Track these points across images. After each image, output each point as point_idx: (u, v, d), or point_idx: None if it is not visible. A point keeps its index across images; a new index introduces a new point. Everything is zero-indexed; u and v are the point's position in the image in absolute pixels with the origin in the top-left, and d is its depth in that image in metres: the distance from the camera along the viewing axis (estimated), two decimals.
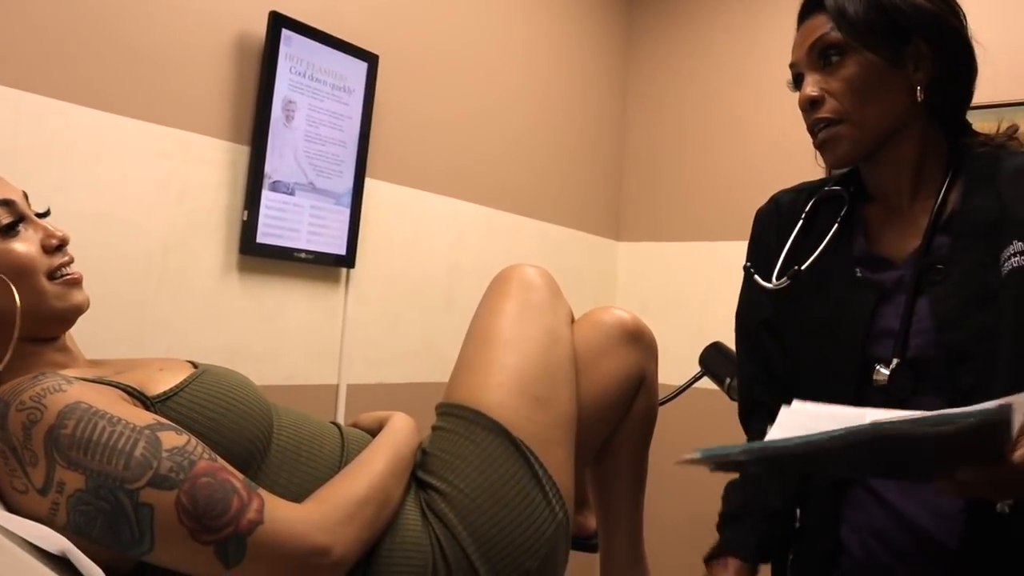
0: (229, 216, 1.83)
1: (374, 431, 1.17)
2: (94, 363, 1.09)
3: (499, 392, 1.16)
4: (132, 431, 0.86)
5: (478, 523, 1.07)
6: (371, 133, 2.10)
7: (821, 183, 1.27)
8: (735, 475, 1.26)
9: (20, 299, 0.97)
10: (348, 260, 2.06)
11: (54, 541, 0.78)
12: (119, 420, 0.87)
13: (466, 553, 1.05)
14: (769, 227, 1.28)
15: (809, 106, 1.10)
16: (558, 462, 1.15)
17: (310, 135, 1.95)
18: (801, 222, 1.22)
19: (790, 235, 1.22)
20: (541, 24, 2.78)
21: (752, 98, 2.90)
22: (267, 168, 1.85)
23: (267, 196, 1.86)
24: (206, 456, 0.89)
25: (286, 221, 1.91)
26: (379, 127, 2.15)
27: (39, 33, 1.51)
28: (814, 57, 1.10)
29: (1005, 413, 0.70)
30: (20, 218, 1.01)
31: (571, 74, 2.92)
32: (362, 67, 2.06)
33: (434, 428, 1.20)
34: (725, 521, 1.25)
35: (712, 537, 1.25)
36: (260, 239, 1.85)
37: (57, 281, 1.02)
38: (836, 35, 1.07)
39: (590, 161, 3.03)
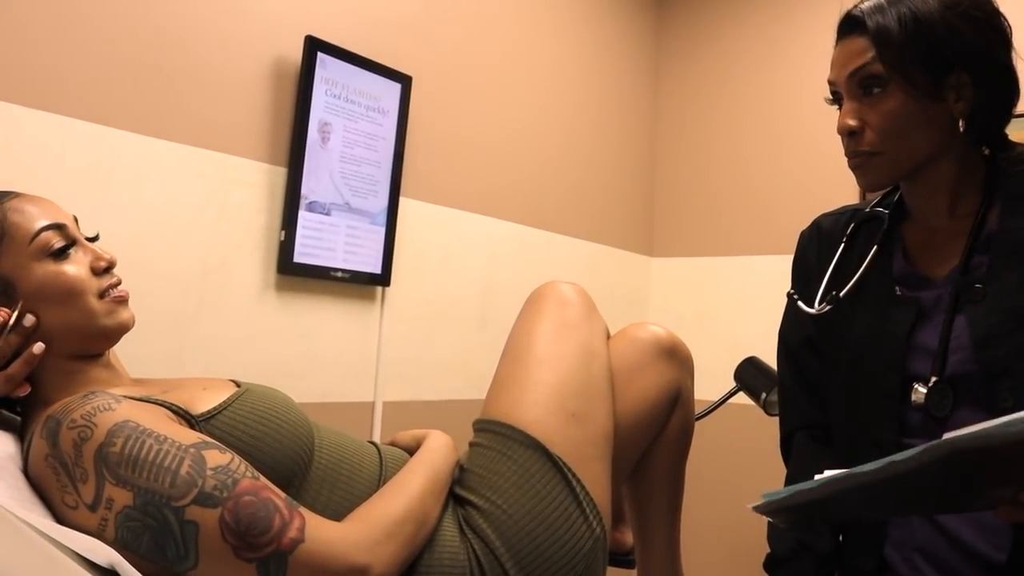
0: (267, 236, 1.86)
1: (412, 449, 1.18)
2: (138, 382, 1.12)
3: (535, 408, 1.17)
4: (178, 449, 0.88)
5: (516, 539, 1.07)
6: (405, 153, 2.12)
7: (862, 205, 1.28)
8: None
9: (63, 318, 1.00)
10: (383, 279, 2.08)
11: (103, 554, 0.80)
12: (166, 439, 0.89)
13: (504, 569, 1.05)
14: (810, 250, 1.30)
15: (848, 136, 1.10)
16: (595, 478, 1.16)
17: (345, 156, 1.98)
18: (843, 245, 1.22)
19: (832, 258, 1.23)
20: (571, 42, 2.80)
21: (783, 110, 2.89)
22: (303, 189, 1.88)
23: (304, 216, 1.89)
24: (249, 474, 0.90)
25: (322, 241, 1.93)
26: (413, 147, 2.18)
27: (82, 61, 1.55)
28: (854, 85, 1.08)
29: None
30: (72, 242, 1.04)
31: (601, 91, 2.94)
32: (396, 88, 2.09)
33: (471, 444, 1.21)
34: (773, 565, 1.23)
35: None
36: (297, 258, 1.88)
37: (106, 300, 1.05)
38: (877, 67, 1.05)
39: (622, 177, 3.03)
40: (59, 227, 1.03)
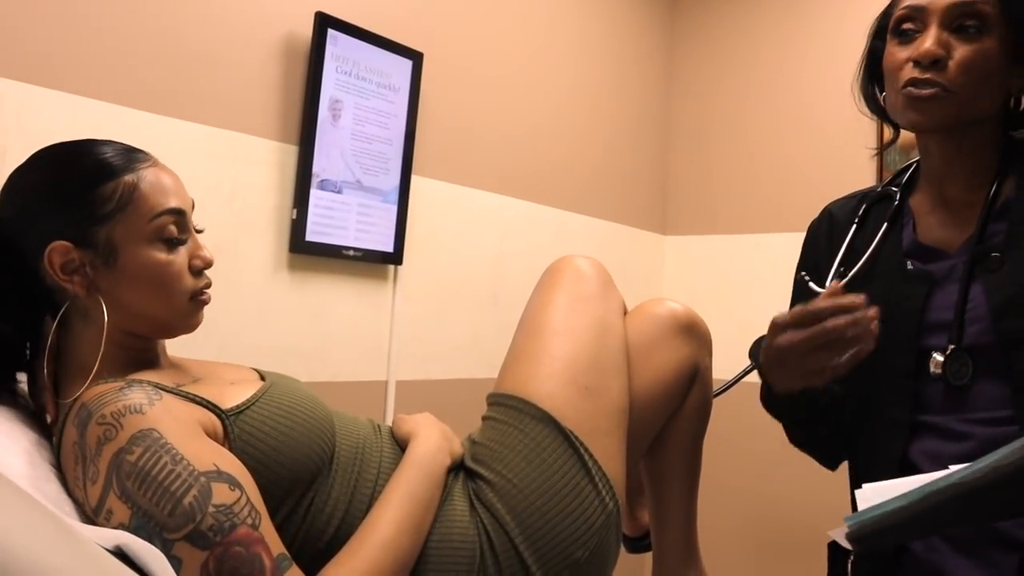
0: (278, 215, 1.85)
1: (403, 444, 1.14)
2: (174, 364, 1.11)
3: (548, 382, 1.16)
4: (189, 475, 0.86)
5: (526, 513, 1.07)
6: (416, 131, 2.11)
7: (872, 188, 1.27)
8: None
9: (147, 303, 1.01)
10: (395, 257, 2.07)
11: (108, 536, 0.80)
12: (181, 459, 0.87)
13: (514, 543, 1.05)
14: (820, 235, 1.28)
15: (929, 63, 1.04)
16: (608, 452, 1.15)
17: (357, 133, 1.97)
18: (854, 226, 1.21)
19: (843, 240, 1.21)
20: (584, 17, 2.77)
21: (795, 89, 2.85)
22: (315, 167, 1.87)
23: (315, 195, 1.88)
24: (249, 520, 0.87)
25: (334, 219, 1.93)
26: (424, 124, 2.16)
27: (93, 39, 1.55)
28: (950, 16, 1.04)
29: None
30: (184, 230, 1.04)
31: (615, 68, 2.91)
32: (407, 65, 2.07)
33: (484, 418, 1.20)
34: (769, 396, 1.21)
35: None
36: (309, 237, 1.87)
37: (194, 301, 1.05)
38: (987, 7, 1.02)
39: (635, 155, 3.01)
40: (180, 213, 1.02)
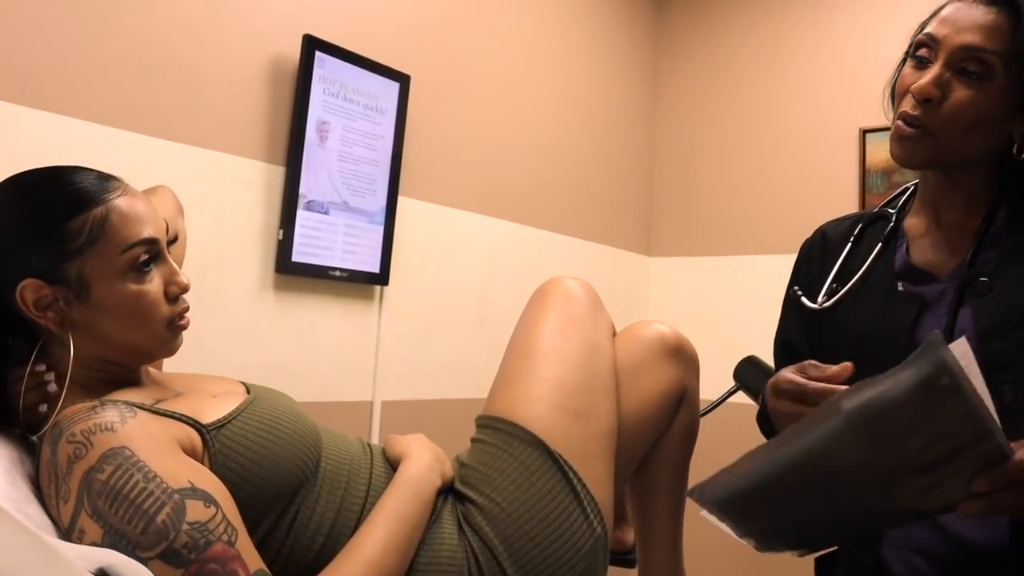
0: (265, 235, 1.85)
1: (395, 464, 1.14)
2: (155, 379, 1.10)
3: (538, 405, 1.16)
4: (162, 492, 0.85)
5: (514, 537, 1.06)
6: (403, 152, 2.12)
7: (868, 211, 1.28)
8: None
9: (123, 334, 0.99)
10: (382, 278, 2.07)
11: (92, 556, 0.79)
12: (154, 476, 0.86)
13: (502, 567, 1.05)
14: (813, 255, 1.29)
15: (921, 102, 1.05)
16: (597, 476, 1.15)
17: (343, 155, 1.97)
18: (849, 245, 1.22)
19: (836, 259, 1.22)
20: (569, 41, 2.80)
21: (780, 111, 2.89)
22: (302, 188, 1.88)
23: (302, 215, 1.88)
24: (224, 537, 0.86)
25: (321, 240, 1.93)
26: (411, 146, 2.17)
27: (78, 59, 1.55)
28: (956, 57, 1.03)
29: (938, 360, 0.70)
30: (156, 255, 1.01)
31: (600, 90, 2.93)
32: (394, 87, 2.09)
33: (473, 440, 1.20)
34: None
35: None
36: (295, 258, 1.87)
37: (171, 327, 1.03)
38: (993, 58, 1.01)
39: (620, 177, 3.03)
40: (152, 242, 1.00)
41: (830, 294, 1.18)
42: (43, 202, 0.97)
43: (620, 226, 3.01)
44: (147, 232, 0.99)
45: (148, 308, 1.00)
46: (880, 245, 1.17)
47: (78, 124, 1.54)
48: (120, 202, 0.99)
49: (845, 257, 1.22)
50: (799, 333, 1.27)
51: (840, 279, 1.19)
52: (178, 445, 0.93)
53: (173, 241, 1.07)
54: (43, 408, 0.98)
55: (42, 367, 0.98)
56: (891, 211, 1.22)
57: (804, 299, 1.22)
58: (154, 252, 1.01)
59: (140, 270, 0.99)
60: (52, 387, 0.97)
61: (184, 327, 1.05)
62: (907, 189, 1.25)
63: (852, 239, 1.23)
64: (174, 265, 1.04)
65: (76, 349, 0.97)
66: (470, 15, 2.40)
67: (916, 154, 1.08)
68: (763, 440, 1.26)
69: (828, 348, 1.22)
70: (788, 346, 1.29)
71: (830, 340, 1.21)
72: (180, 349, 1.21)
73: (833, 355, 1.20)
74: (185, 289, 1.04)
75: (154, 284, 1.00)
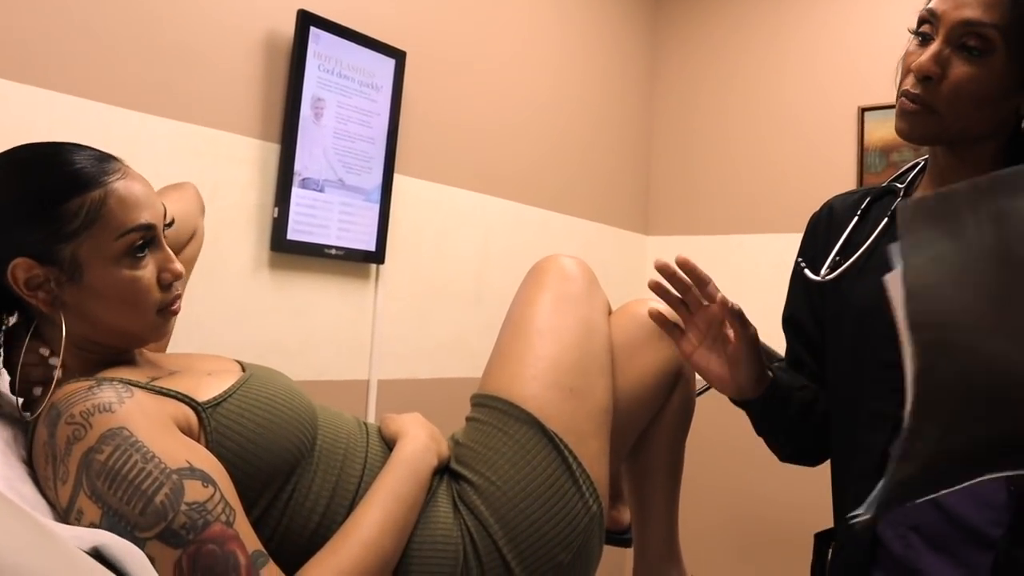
0: (260, 213, 1.84)
1: (391, 444, 1.14)
2: (149, 358, 1.09)
3: (533, 383, 1.16)
4: (161, 473, 0.85)
5: (510, 516, 1.07)
6: (399, 129, 2.10)
7: (876, 185, 1.28)
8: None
9: (114, 319, 0.98)
10: (378, 256, 2.07)
11: (86, 536, 0.79)
12: (152, 457, 0.86)
13: (497, 545, 1.05)
14: (819, 229, 1.29)
15: (921, 79, 1.04)
16: (592, 454, 1.15)
17: (339, 132, 1.96)
18: (855, 219, 1.22)
19: (842, 232, 1.22)
20: (567, 17, 2.77)
21: (778, 89, 2.87)
22: (297, 165, 1.86)
23: (297, 193, 1.87)
24: (223, 517, 0.86)
25: (316, 218, 1.92)
26: (407, 123, 2.16)
27: (72, 35, 1.53)
28: (955, 33, 1.02)
29: None
30: (151, 241, 1.00)
31: (598, 67, 2.91)
32: (390, 64, 2.07)
33: (468, 419, 1.20)
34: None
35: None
36: (291, 236, 1.86)
37: (162, 315, 1.02)
38: (993, 32, 1.00)
39: (618, 155, 3.01)
40: (149, 228, 0.99)
41: (833, 267, 1.18)
42: (40, 181, 0.96)
43: (617, 205, 3.00)
44: (144, 218, 0.98)
45: (140, 294, 0.99)
46: (886, 220, 1.16)
47: (71, 100, 1.52)
48: (119, 185, 0.97)
49: (851, 231, 1.21)
50: (804, 308, 1.27)
51: (845, 252, 1.19)
52: (175, 424, 0.93)
53: (169, 225, 1.06)
54: (37, 391, 0.97)
55: (45, 349, 0.98)
56: (899, 186, 1.21)
57: (807, 271, 1.21)
58: (149, 238, 0.99)
59: (134, 256, 0.98)
60: (54, 361, 0.97)
61: (175, 313, 1.04)
62: (916, 164, 1.24)
63: (859, 213, 1.22)
64: (169, 251, 1.03)
65: (68, 329, 0.96)
66: None
67: (919, 129, 1.07)
68: (751, 425, 1.26)
69: (831, 321, 1.22)
70: (793, 321, 1.29)
71: (832, 313, 1.21)
72: (175, 328, 1.21)
73: (835, 329, 1.21)
74: (178, 276, 1.03)
75: (147, 270, 0.99)
